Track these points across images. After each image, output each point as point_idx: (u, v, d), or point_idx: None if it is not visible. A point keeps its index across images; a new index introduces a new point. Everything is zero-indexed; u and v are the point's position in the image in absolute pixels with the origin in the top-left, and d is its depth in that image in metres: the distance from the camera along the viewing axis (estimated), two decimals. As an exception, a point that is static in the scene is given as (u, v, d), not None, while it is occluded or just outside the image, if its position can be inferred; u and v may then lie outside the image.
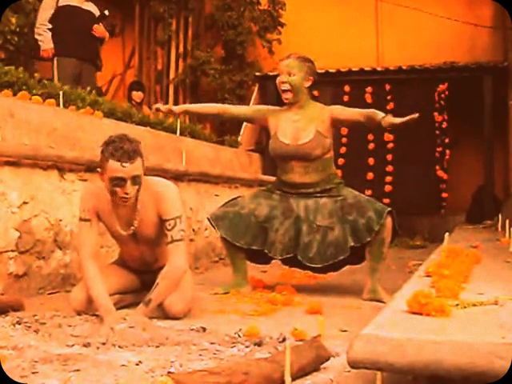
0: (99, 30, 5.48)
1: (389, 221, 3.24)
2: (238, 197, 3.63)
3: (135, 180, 2.52)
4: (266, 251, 3.43)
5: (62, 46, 5.24)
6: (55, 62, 5.28)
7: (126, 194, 2.51)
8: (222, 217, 3.46)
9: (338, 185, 3.45)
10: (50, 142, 3.39)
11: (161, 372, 1.77)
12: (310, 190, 3.42)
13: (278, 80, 3.43)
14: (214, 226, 3.48)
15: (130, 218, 2.68)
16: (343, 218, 3.33)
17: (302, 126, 3.41)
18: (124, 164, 2.46)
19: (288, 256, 3.43)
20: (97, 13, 5.51)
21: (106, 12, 5.55)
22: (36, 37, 5.25)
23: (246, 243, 3.42)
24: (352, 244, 3.28)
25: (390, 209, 3.26)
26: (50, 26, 5.23)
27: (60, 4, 5.28)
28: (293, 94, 3.40)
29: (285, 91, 3.41)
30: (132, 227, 2.68)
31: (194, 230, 4.81)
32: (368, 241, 3.24)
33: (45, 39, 5.22)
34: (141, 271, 2.89)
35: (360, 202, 3.33)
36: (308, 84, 3.43)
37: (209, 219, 3.51)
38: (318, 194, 3.43)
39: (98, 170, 2.59)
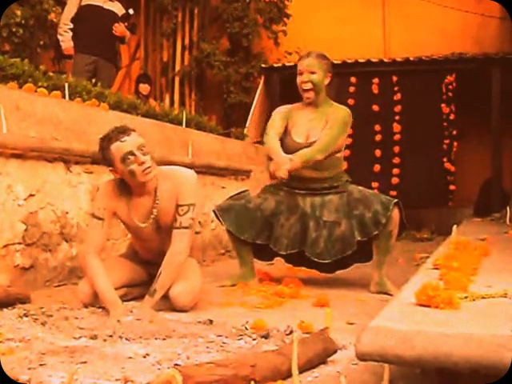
0: (119, 29, 5.62)
1: (395, 213, 3.22)
2: (245, 191, 3.62)
3: (142, 149, 2.56)
4: (270, 246, 3.42)
5: (78, 43, 5.44)
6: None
7: (142, 163, 2.54)
8: (227, 209, 3.45)
9: (344, 182, 3.44)
10: (56, 134, 3.39)
11: (168, 364, 1.76)
12: (317, 185, 3.40)
13: (299, 80, 3.40)
14: (219, 219, 3.48)
15: (150, 209, 2.68)
16: (350, 212, 3.31)
17: (315, 125, 3.39)
18: (122, 139, 2.54)
19: (293, 252, 3.42)
20: (120, 12, 5.62)
21: (131, 11, 5.68)
22: (58, 36, 5.48)
23: (250, 237, 3.41)
24: (359, 238, 3.27)
25: (396, 200, 3.24)
26: (71, 26, 5.46)
27: (83, 3, 5.49)
28: (314, 92, 3.37)
29: (307, 90, 3.38)
30: (152, 216, 2.68)
31: (200, 222, 4.80)
32: (375, 234, 3.22)
33: (65, 39, 5.46)
34: (152, 263, 2.87)
35: (366, 196, 3.31)
36: (327, 81, 3.41)
37: (214, 211, 3.51)
38: (325, 191, 3.41)
39: (110, 168, 2.61)
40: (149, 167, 2.57)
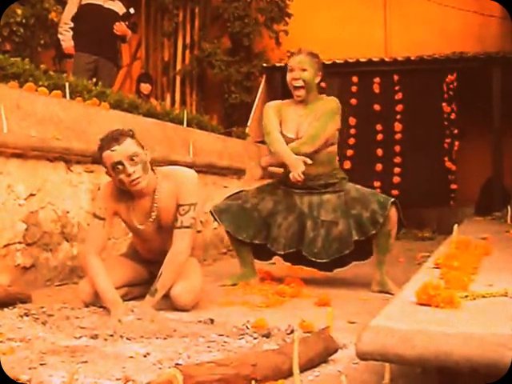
0: (120, 28, 5.63)
1: (393, 212, 3.20)
2: (242, 191, 3.62)
3: (133, 159, 2.52)
4: (268, 246, 3.42)
5: (79, 42, 5.45)
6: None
7: (130, 175, 2.51)
8: (225, 210, 3.44)
9: (341, 180, 3.43)
10: (57, 133, 3.39)
11: (169, 364, 1.76)
12: (313, 182, 3.38)
13: (289, 77, 3.38)
14: (216, 219, 3.47)
15: (149, 210, 2.67)
16: (347, 212, 3.30)
17: (305, 120, 3.37)
18: (113, 148, 2.50)
19: (290, 251, 3.41)
20: (121, 11, 5.63)
21: (131, 10, 5.69)
22: (58, 35, 5.49)
23: (248, 237, 3.41)
24: (356, 238, 3.26)
25: (393, 199, 3.23)
26: (72, 25, 5.47)
27: (83, 2, 5.52)
28: (305, 90, 3.35)
29: (298, 88, 3.36)
30: (150, 219, 2.68)
31: (201, 221, 4.80)
32: (373, 234, 3.22)
33: (65, 38, 5.47)
34: (153, 262, 2.87)
35: (364, 196, 3.30)
36: (318, 80, 3.39)
37: (211, 212, 3.50)
38: (322, 189, 3.40)
39: (106, 171, 2.62)
40: (137, 178, 2.53)
